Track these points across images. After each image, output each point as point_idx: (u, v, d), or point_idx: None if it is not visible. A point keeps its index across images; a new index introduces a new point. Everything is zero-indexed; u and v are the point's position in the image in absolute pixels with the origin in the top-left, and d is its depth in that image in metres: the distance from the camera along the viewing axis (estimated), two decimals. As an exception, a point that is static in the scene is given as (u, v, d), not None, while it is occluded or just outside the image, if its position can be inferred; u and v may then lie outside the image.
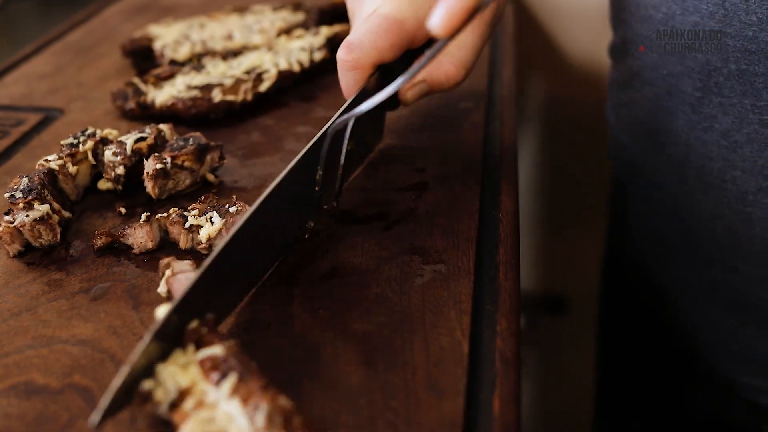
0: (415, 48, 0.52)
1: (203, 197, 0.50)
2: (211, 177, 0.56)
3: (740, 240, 0.57)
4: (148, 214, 0.49)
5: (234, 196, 0.50)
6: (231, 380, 0.34)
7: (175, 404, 0.35)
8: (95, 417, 0.33)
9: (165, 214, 0.49)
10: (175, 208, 0.50)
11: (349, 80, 0.50)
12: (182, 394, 0.35)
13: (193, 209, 0.49)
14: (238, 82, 0.67)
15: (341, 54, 0.49)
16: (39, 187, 0.50)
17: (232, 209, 0.48)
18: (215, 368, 0.35)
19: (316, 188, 0.49)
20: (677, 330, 0.68)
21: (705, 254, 0.61)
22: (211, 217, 0.48)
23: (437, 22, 0.40)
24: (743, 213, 0.56)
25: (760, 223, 0.55)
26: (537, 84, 1.21)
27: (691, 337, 0.67)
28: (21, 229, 0.49)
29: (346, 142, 0.49)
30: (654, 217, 0.67)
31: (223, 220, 0.48)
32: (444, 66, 0.51)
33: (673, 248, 0.65)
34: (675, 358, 0.71)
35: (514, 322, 0.44)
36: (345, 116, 0.47)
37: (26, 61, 0.80)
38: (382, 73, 0.51)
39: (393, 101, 0.53)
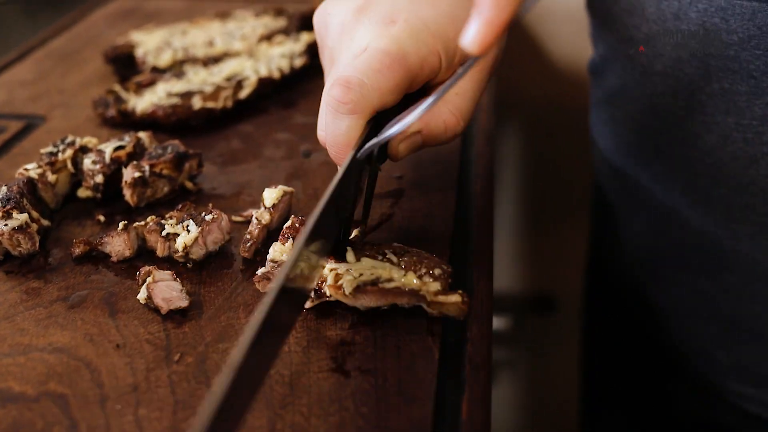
0: (411, 92, 0.46)
1: (180, 205, 0.51)
2: (189, 185, 0.57)
3: (727, 255, 0.58)
4: (125, 222, 0.50)
5: (210, 205, 0.51)
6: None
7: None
8: None
9: (142, 223, 0.50)
10: (153, 216, 0.50)
11: (342, 127, 0.43)
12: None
13: (170, 218, 0.50)
14: (219, 89, 0.67)
15: (336, 93, 0.42)
16: (18, 196, 0.51)
17: (208, 217, 0.49)
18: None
19: (346, 216, 0.45)
20: (662, 336, 0.69)
21: (693, 268, 0.62)
22: (187, 226, 0.49)
23: (472, 36, 0.35)
24: (729, 229, 0.56)
25: (747, 239, 0.55)
26: (524, 87, 1.21)
27: (677, 344, 0.67)
28: (0, 238, 0.49)
29: (370, 175, 0.47)
30: (640, 229, 0.68)
31: (199, 229, 0.48)
32: (443, 115, 0.45)
33: (660, 260, 0.66)
34: (660, 362, 0.71)
35: (486, 327, 0.44)
36: (372, 142, 0.42)
37: (9, 68, 0.80)
38: (375, 123, 0.44)
39: (382, 153, 0.46)
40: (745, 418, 0.65)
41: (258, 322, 0.32)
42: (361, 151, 0.42)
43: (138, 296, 0.46)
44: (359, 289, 0.42)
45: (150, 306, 0.45)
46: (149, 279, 0.45)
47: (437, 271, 0.43)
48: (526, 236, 1.36)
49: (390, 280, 0.43)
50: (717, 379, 0.65)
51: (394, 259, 0.44)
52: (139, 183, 0.54)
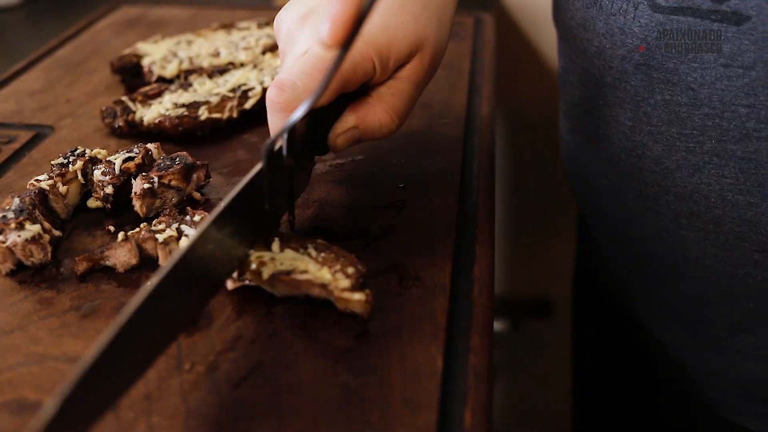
0: (348, 93, 0.50)
1: (168, 210, 0.53)
2: (197, 195, 0.58)
3: (678, 262, 0.60)
4: (124, 232, 0.51)
5: (188, 208, 0.53)
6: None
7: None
8: None
9: (136, 230, 0.51)
10: (144, 224, 0.52)
11: (277, 122, 0.48)
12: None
13: (159, 223, 0.51)
14: (224, 99, 0.68)
15: (272, 94, 0.47)
16: (30, 207, 0.52)
17: (197, 218, 0.51)
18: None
19: (266, 206, 0.48)
20: (641, 344, 0.71)
21: (651, 274, 0.64)
22: (177, 228, 0.51)
23: (325, 33, 0.39)
24: (678, 236, 0.58)
25: (694, 246, 0.57)
26: (519, 91, 1.23)
27: (653, 352, 0.69)
28: (13, 248, 0.50)
29: (285, 168, 0.48)
30: (607, 236, 0.70)
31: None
32: (378, 113, 0.50)
33: (627, 267, 0.68)
34: (642, 369, 0.73)
35: (487, 338, 0.46)
36: (283, 127, 0.45)
37: (17, 77, 0.81)
38: (312, 116, 0.49)
39: (323, 145, 0.52)
40: (722, 425, 0.66)
41: (148, 291, 0.36)
42: (269, 142, 0.45)
43: (149, 306, 0.47)
44: (274, 277, 0.46)
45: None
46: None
47: (350, 270, 0.46)
48: (521, 239, 1.38)
49: (304, 272, 0.46)
50: (692, 386, 0.66)
51: (314, 253, 0.47)
52: (148, 194, 0.55)
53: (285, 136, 0.46)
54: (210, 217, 0.42)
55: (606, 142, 0.61)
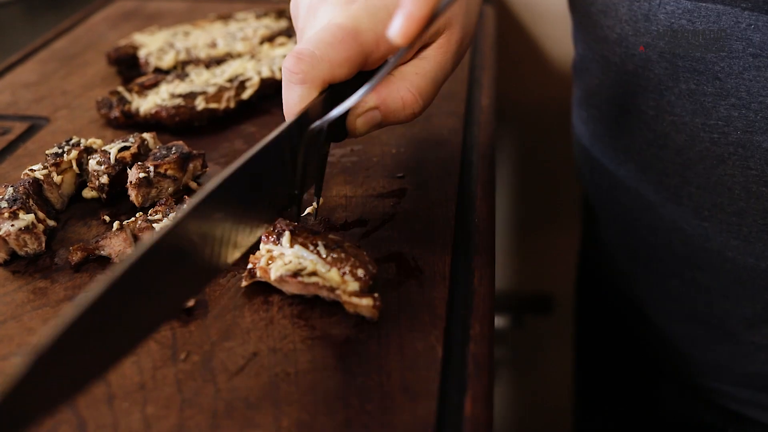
0: (368, 70, 0.47)
1: (164, 199, 0.52)
2: (193, 185, 0.57)
3: (697, 254, 0.59)
4: (120, 222, 0.50)
5: (186, 197, 0.52)
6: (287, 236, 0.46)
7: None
8: None
9: (132, 219, 0.50)
10: (140, 213, 0.51)
11: (293, 96, 0.44)
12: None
13: (156, 212, 0.51)
14: (221, 89, 0.68)
15: (288, 64, 0.44)
16: (24, 196, 0.51)
17: None
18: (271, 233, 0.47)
19: (296, 191, 0.46)
20: (646, 337, 0.70)
21: (664, 267, 0.63)
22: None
23: (396, 29, 0.38)
24: (700, 227, 0.57)
25: (716, 237, 0.56)
26: (519, 87, 1.22)
27: (659, 345, 0.68)
28: (6, 238, 0.50)
29: (320, 153, 0.48)
30: (618, 228, 0.69)
31: None
32: (401, 92, 0.46)
33: (636, 260, 0.67)
34: (646, 363, 0.72)
35: (488, 326, 0.45)
36: (322, 120, 0.44)
37: (12, 69, 0.81)
38: (331, 96, 0.45)
39: (341, 131, 0.47)
40: (728, 417, 0.65)
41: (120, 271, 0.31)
42: (312, 126, 0.43)
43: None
44: (282, 278, 0.45)
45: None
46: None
47: (360, 272, 0.44)
48: (522, 235, 1.37)
49: (313, 273, 0.45)
50: (697, 379, 0.66)
51: (324, 252, 0.46)
52: (143, 183, 0.54)
53: (327, 122, 0.43)
54: (198, 194, 0.36)
55: (626, 132, 0.60)
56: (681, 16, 0.51)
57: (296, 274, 0.45)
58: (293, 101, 0.44)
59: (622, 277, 0.70)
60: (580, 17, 0.65)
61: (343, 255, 0.45)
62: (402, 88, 0.46)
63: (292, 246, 0.46)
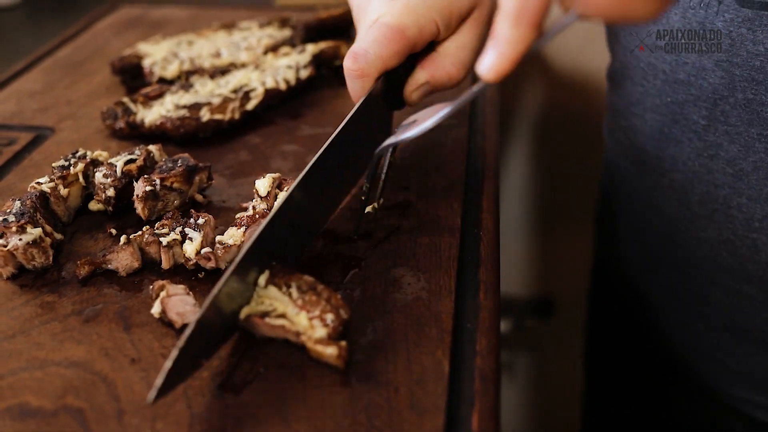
0: (416, 52, 0.55)
1: (171, 213, 0.52)
2: (199, 197, 0.58)
3: (746, 265, 0.58)
4: (126, 236, 0.51)
5: (192, 211, 0.52)
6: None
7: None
8: (152, 395, 0.38)
9: (138, 233, 0.51)
10: (147, 227, 0.51)
11: (356, 87, 0.53)
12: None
13: (162, 227, 0.51)
14: (226, 100, 0.68)
15: (348, 63, 0.52)
16: (31, 210, 0.52)
17: (201, 221, 0.51)
18: None
19: (362, 198, 0.53)
20: (666, 343, 0.69)
21: (705, 277, 0.62)
22: (182, 232, 0.50)
23: (488, 67, 0.40)
24: (749, 239, 0.57)
25: (766, 249, 0.56)
26: (529, 94, 1.22)
27: (681, 351, 0.68)
28: (14, 252, 0.50)
29: (386, 164, 0.54)
30: (648, 238, 0.68)
31: (202, 233, 0.50)
32: (446, 67, 0.54)
33: (667, 269, 0.66)
34: (663, 367, 0.72)
35: (494, 340, 0.45)
36: (389, 141, 0.52)
37: (17, 78, 0.81)
38: (387, 75, 0.54)
39: (399, 101, 0.57)
40: (751, 425, 0.65)
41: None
42: (381, 147, 0.53)
43: (152, 310, 0.46)
44: (249, 318, 0.44)
45: (164, 320, 0.46)
46: (163, 293, 0.46)
47: (330, 317, 0.43)
48: (527, 239, 1.37)
49: (281, 316, 0.44)
50: (723, 386, 0.65)
51: (295, 294, 0.44)
52: (150, 196, 0.54)
53: (395, 145, 0.52)
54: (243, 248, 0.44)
55: (673, 141, 0.59)
56: (741, 24, 0.51)
57: (264, 315, 0.44)
58: (357, 91, 0.53)
59: (644, 286, 0.70)
60: (619, 24, 0.65)
61: (314, 298, 0.44)
62: (447, 64, 0.54)
63: (266, 286, 0.45)
